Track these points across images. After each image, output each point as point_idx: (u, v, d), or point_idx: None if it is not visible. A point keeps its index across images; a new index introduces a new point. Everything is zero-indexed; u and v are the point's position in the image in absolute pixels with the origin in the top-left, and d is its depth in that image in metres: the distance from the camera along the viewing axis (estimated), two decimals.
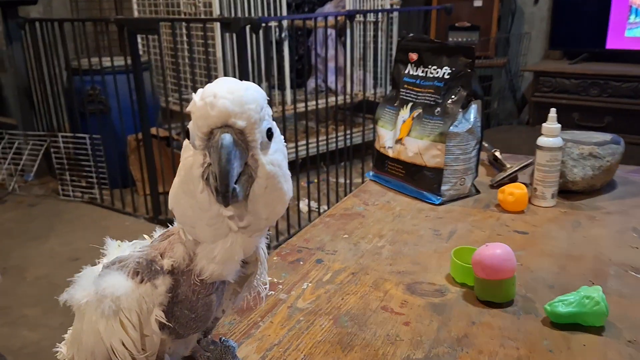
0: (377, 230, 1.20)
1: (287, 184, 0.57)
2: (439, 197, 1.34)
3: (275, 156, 0.56)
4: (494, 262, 0.87)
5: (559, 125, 1.27)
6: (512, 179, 1.44)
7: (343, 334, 0.83)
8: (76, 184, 3.89)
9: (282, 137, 0.59)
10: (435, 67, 1.37)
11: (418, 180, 1.37)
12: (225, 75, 3.31)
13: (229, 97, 0.52)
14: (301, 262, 1.06)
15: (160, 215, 3.46)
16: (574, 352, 0.77)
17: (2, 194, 4.00)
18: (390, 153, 1.44)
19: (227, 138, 0.51)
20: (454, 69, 1.33)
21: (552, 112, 1.26)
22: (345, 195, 3.66)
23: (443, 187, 1.34)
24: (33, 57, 4.07)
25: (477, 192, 1.40)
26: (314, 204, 3.51)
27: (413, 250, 1.11)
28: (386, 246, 1.13)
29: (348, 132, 3.64)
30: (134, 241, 0.69)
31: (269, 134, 0.55)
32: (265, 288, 0.70)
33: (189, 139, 0.55)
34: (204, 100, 0.52)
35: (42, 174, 4.23)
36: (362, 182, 3.75)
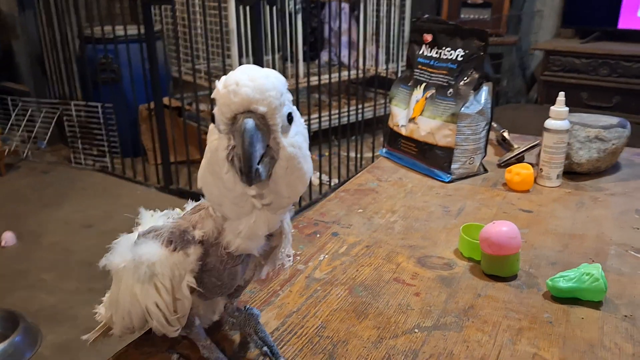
0: (389, 206, 1.26)
1: (307, 164, 0.61)
2: (449, 175, 1.39)
3: (296, 139, 0.59)
4: (500, 239, 0.92)
5: (567, 109, 1.31)
6: (519, 159, 1.49)
7: (358, 302, 0.89)
8: (88, 152, 3.96)
9: (303, 120, 0.63)
10: (449, 48, 1.41)
11: (429, 158, 1.42)
12: (239, 46, 3.34)
13: (250, 84, 0.55)
14: (318, 235, 1.12)
15: (171, 185, 3.52)
16: (572, 324, 0.83)
17: (16, 160, 4.07)
18: (404, 131, 1.48)
19: (249, 123, 0.55)
20: (467, 51, 1.37)
21: (561, 96, 1.30)
22: (356, 169, 3.73)
23: (453, 166, 1.38)
24: (45, 24, 4.09)
25: (485, 171, 1.45)
26: (325, 177, 3.56)
27: (424, 225, 1.16)
28: (398, 221, 1.18)
29: (360, 106, 3.68)
30: (165, 211, 0.74)
31: (290, 118, 0.59)
32: (289, 260, 0.75)
33: (214, 123, 0.59)
34: (227, 88, 0.56)
35: (54, 141, 4.29)
36: (372, 156, 3.82)
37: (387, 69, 4.10)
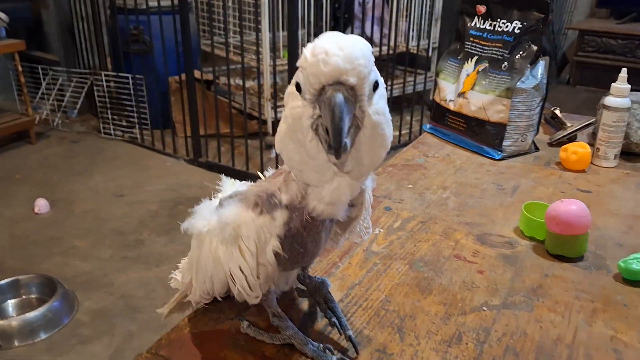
0: (440, 182, 1.23)
1: (389, 128, 0.59)
2: (499, 153, 1.35)
3: (380, 104, 0.57)
4: (569, 218, 0.89)
5: (629, 86, 1.26)
6: (571, 138, 1.45)
7: (420, 277, 0.87)
8: (117, 123, 3.96)
9: (382, 79, 0.60)
10: (504, 20, 1.36)
11: (479, 134, 1.38)
12: (271, 20, 3.30)
13: (340, 54, 0.52)
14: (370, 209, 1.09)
15: (200, 158, 3.52)
16: None
17: (45, 129, 4.09)
18: (452, 106, 1.45)
19: (339, 97, 0.52)
20: (524, 23, 1.32)
21: (623, 72, 1.26)
22: None
23: (505, 143, 1.35)
24: None
25: (537, 149, 1.41)
26: None
27: (478, 202, 1.13)
28: (451, 197, 1.16)
29: (388, 83, 3.63)
30: (244, 182, 0.73)
31: (375, 85, 0.56)
32: (368, 232, 0.73)
33: (297, 90, 0.56)
34: (316, 57, 0.53)
35: (83, 111, 4.30)
36: (399, 134, 3.77)
37: (417, 45, 4.03)
